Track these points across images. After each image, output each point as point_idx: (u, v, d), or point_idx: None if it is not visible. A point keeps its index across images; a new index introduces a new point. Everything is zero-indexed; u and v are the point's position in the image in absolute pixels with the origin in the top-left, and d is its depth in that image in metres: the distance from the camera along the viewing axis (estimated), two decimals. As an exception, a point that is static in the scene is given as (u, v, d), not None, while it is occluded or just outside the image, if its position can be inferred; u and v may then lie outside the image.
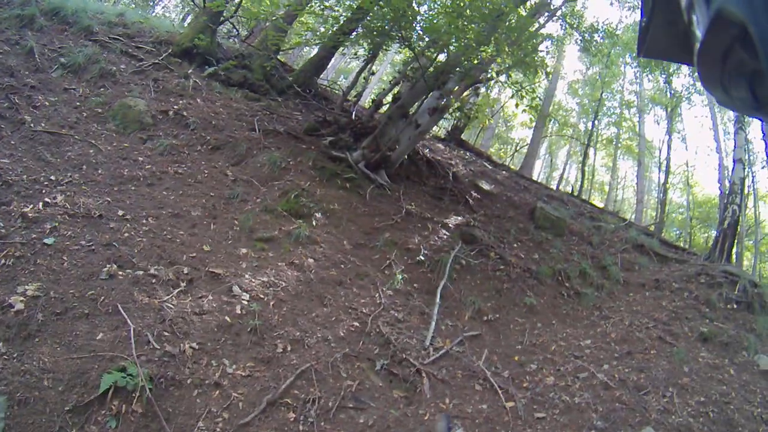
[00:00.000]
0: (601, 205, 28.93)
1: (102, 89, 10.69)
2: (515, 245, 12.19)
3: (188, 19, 22.86)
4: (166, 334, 5.83)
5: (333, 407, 6.01)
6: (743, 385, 8.53)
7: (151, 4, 31.15)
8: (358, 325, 7.65)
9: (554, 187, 24.85)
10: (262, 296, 7.25)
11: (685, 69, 24.09)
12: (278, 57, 16.52)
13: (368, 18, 12.00)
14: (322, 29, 13.78)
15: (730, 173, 18.51)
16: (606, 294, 11.61)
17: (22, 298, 5.46)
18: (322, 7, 13.24)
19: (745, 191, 22.42)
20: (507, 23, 11.34)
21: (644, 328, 9.99)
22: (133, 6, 26.54)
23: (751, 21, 0.58)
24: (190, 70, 12.87)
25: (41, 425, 4.47)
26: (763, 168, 28.61)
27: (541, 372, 8.22)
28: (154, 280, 6.57)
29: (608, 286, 11.91)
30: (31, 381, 4.73)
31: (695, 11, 0.73)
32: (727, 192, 18.05)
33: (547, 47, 19.34)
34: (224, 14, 14.98)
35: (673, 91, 29.11)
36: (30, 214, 6.69)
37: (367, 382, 6.72)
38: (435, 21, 11.18)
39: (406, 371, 7.16)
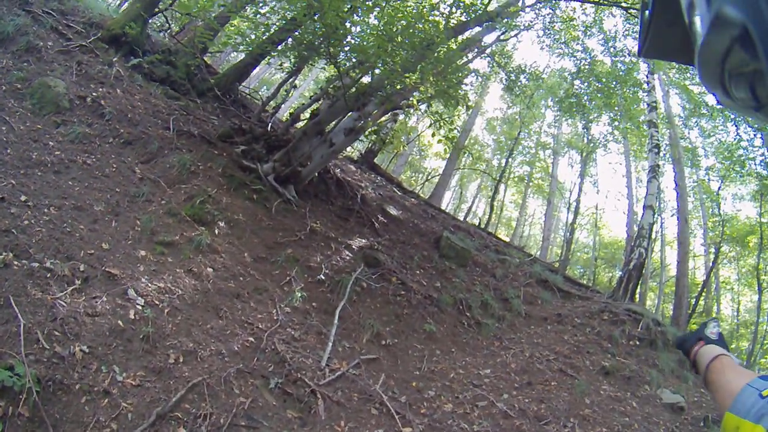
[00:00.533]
0: (507, 239, 29.45)
1: (25, 64, 10.37)
2: (418, 272, 12.27)
3: (124, 6, 22.42)
4: (57, 333, 5.57)
5: (225, 424, 5.86)
6: (646, 417, 8.84)
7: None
8: (253, 340, 7.50)
9: (462, 219, 25.09)
10: (157, 302, 7.03)
11: (604, 117, 24.69)
12: (204, 58, 16.31)
13: (299, 31, 11.95)
14: (253, 36, 13.67)
15: (639, 218, 19.09)
16: (507, 325, 11.83)
17: None
18: (256, 13, 13.17)
19: (653, 236, 23.19)
20: (436, 54, 11.45)
21: (545, 360, 10.22)
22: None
23: (751, 21, 0.59)
24: (115, 58, 12.47)
25: None
26: (672, 216, 29.60)
27: (440, 399, 8.28)
28: (48, 275, 6.28)
29: (510, 318, 12.14)
30: None
31: (695, 11, 0.74)
32: (634, 236, 18.62)
33: (471, 82, 19.58)
34: (159, 5, 14.76)
35: (590, 137, 29.92)
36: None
37: (261, 400, 6.59)
38: (365, 42, 11.22)
39: (301, 391, 7.06)
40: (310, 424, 6.66)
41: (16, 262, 6.17)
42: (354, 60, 12.17)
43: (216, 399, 6.17)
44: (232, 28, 15.93)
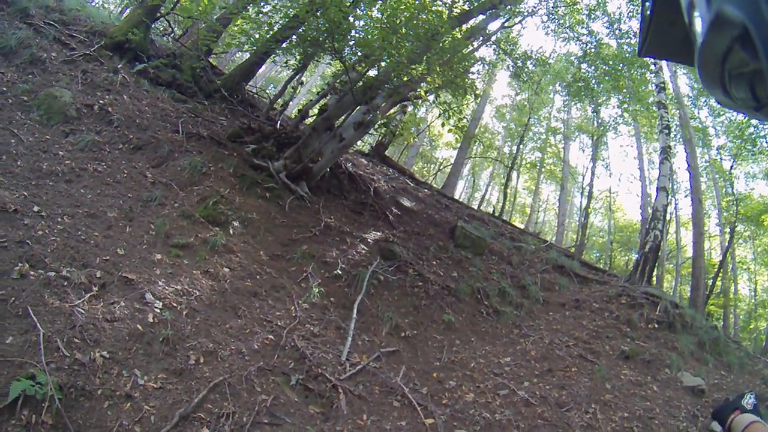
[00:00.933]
0: (522, 226, 29.35)
1: (30, 76, 10.37)
2: (434, 262, 12.26)
3: (126, 13, 22.45)
4: (77, 340, 5.56)
5: (247, 423, 5.84)
6: (667, 400, 8.77)
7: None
8: (272, 338, 7.50)
9: (476, 207, 25.03)
10: (175, 305, 7.03)
11: (613, 100, 24.59)
12: (209, 60, 16.33)
13: (302, 28, 11.93)
14: (257, 35, 13.66)
15: (653, 200, 18.97)
16: (525, 313, 11.78)
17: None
18: (258, 12, 13.16)
19: (668, 218, 23.09)
20: (441, 44, 11.41)
21: (565, 346, 10.17)
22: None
23: (751, 21, 0.58)
24: (120, 65, 12.51)
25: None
26: (686, 197, 29.40)
27: (461, 389, 8.25)
28: (65, 283, 6.28)
29: (528, 305, 12.09)
30: (-67, 388, 4.48)
31: (695, 11, 0.73)
32: (649, 218, 18.51)
33: (478, 70, 19.54)
34: (161, 10, 14.76)
35: (600, 121, 29.80)
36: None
37: (282, 397, 6.57)
38: (369, 36, 11.18)
39: (322, 386, 7.05)
40: (332, 419, 6.64)
41: (32, 272, 6.17)
42: (359, 54, 12.14)
43: (238, 398, 6.17)
44: (236, 29, 15.94)
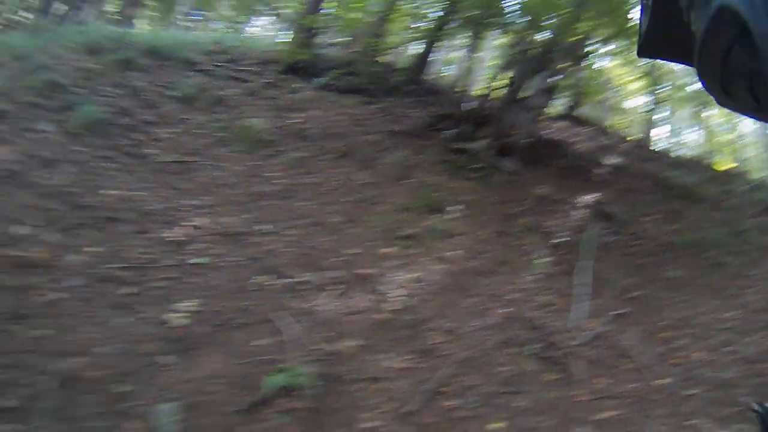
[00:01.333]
0: (729, 165, 27.99)
1: (216, 115, 10.97)
2: (648, 218, 11.83)
3: (279, 36, 23.27)
4: (324, 334, 6.09)
5: (490, 393, 6.08)
6: None
7: (241, 27, 31.63)
8: (505, 312, 7.66)
9: (677, 154, 24.07)
10: (411, 291, 7.43)
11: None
12: (382, 59, 16.62)
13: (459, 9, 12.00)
14: (419, 25, 13.82)
15: None
16: (748, 260, 11.11)
17: (182, 314, 5.87)
18: (412, 6, 13.34)
19: None
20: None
21: (791, 294, 9.57)
22: (226, 31, 27.08)
23: (752, 21, 0.57)
24: (298, 84, 13.11)
25: (214, 426, 4.83)
26: None
27: (689, 348, 8.00)
28: (302, 287, 6.87)
29: (749, 253, 11.40)
30: (199, 387, 5.10)
31: (695, 11, 0.72)
32: None
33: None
34: (319, 25, 15.23)
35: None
36: (173, 238, 7.05)
37: (520, 368, 6.74)
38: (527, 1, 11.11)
39: (556, 354, 7.13)
40: (568, 385, 6.70)
41: (269, 282, 6.67)
42: (524, 21, 12.06)
43: (479, 371, 6.42)
44: (396, 25, 16.21)
